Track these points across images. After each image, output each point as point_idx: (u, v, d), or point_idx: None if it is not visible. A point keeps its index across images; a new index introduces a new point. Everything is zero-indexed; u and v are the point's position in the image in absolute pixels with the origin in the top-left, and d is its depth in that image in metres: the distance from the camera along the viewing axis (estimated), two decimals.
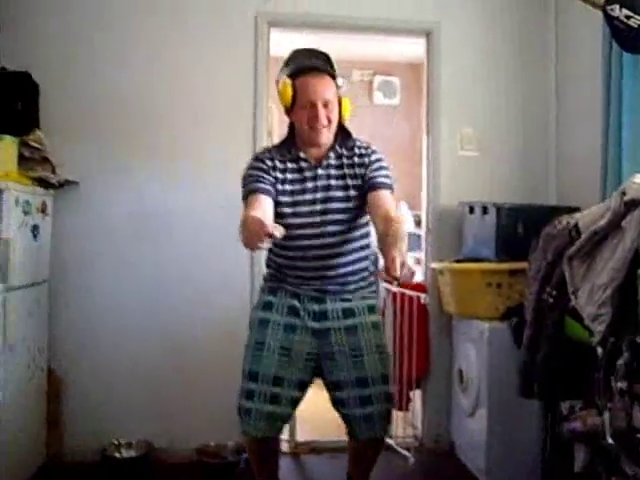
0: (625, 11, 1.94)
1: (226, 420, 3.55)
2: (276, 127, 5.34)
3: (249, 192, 2.54)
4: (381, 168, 2.61)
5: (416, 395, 4.09)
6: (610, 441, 2.15)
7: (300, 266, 2.61)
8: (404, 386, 3.91)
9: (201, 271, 3.79)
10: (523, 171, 4.03)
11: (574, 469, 2.61)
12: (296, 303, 2.62)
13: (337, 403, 2.66)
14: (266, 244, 2.21)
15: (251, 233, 2.22)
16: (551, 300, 2.65)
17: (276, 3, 3.83)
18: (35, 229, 3.30)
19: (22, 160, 3.30)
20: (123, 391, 3.72)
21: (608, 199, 2.46)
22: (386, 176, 2.60)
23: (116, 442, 3.61)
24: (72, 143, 3.68)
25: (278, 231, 2.16)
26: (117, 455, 3.59)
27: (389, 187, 2.58)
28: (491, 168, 4.00)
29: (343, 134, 2.66)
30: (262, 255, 3.60)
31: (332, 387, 2.65)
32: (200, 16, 3.81)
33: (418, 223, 4.83)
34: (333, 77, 2.57)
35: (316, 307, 2.61)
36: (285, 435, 3.71)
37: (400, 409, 3.96)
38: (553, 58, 4.02)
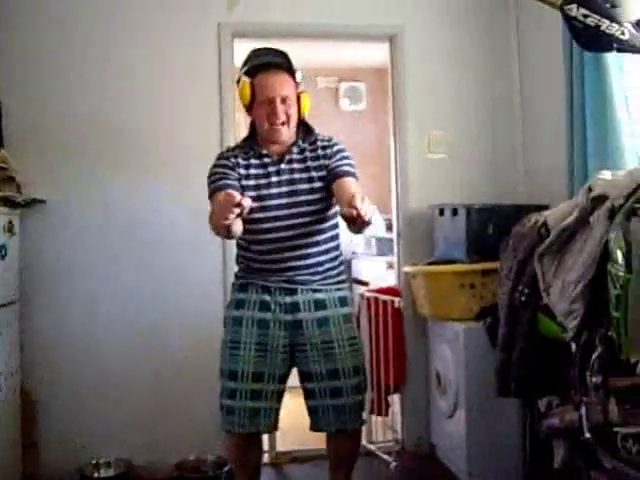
0: (582, 10, 1.96)
1: (205, 434, 3.57)
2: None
3: (215, 189, 2.56)
4: (344, 158, 2.65)
5: (395, 399, 4.09)
6: (588, 436, 2.16)
7: (269, 258, 2.62)
8: (382, 391, 3.91)
9: (175, 285, 3.76)
10: (491, 172, 4.05)
11: (554, 465, 2.63)
12: (267, 297, 2.63)
13: (307, 394, 2.68)
14: (234, 217, 2.20)
15: (219, 207, 2.25)
16: (523, 298, 2.67)
17: (239, 13, 3.82)
18: (2, 249, 3.25)
19: None
20: (99, 410, 3.67)
21: (576, 196, 2.48)
22: (349, 165, 2.64)
23: (94, 461, 3.56)
24: (38, 161, 3.64)
25: (246, 201, 2.18)
26: (96, 475, 3.54)
27: (353, 175, 2.62)
28: (460, 170, 4.03)
29: (305, 129, 2.70)
30: (235, 266, 3.61)
31: (303, 378, 2.68)
32: (165, 30, 3.79)
33: (389, 227, 4.84)
34: (292, 74, 2.61)
35: (287, 299, 2.63)
36: (266, 445, 3.69)
37: (379, 414, 3.97)
38: (516, 59, 4.07)
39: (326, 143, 2.68)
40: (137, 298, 3.74)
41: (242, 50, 3.89)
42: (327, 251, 2.67)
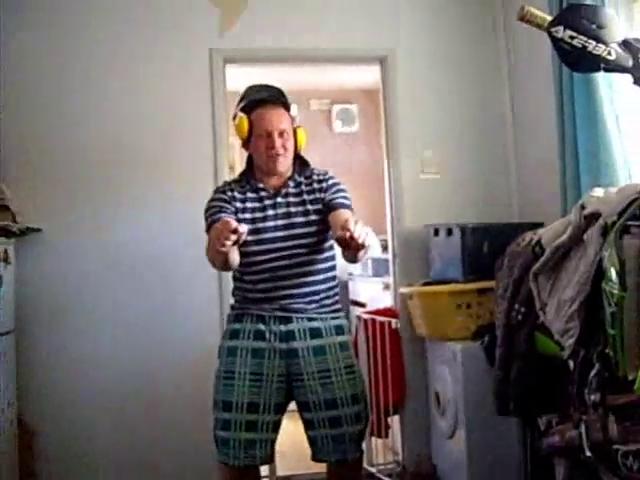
0: (569, 32, 1.98)
1: (205, 467, 3.52)
2: (237, 162, 5.35)
3: (212, 222, 2.56)
4: (339, 191, 2.67)
5: (394, 421, 4.08)
6: (588, 454, 2.15)
7: (265, 288, 2.61)
8: (382, 413, 3.90)
9: (171, 315, 3.76)
10: (485, 191, 4.07)
11: None
12: (261, 326, 2.61)
13: (306, 425, 2.65)
14: (230, 244, 2.20)
15: (216, 234, 2.24)
16: (520, 317, 2.67)
17: (230, 39, 3.86)
18: None
19: None
20: (97, 441, 3.65)
21: (569, 214, 2.49)
22: (344, 197, 2.66)
23: None
24: (33, 190, 3.65)
25: (242, 227, 2.19)
26: None
27: (348, 207, 2.64)
28: (453, 190, 4.04)
29: (300, 163, 2.73)
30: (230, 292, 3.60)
31: (302, 408, 2.64)
32: (157, 56, 3.82)
33: (385, 248, 4.86)
34: (287, 109, 2.65)
35: (282, 327, 2.60)
36: (265, 470, 3.67)
37: (379, 436, 3.95)
38: (507, 79, 4.11)
39: (322, 177, 2.70)
40: (133, 327, 3.73)
41: (234, 75, 3.95)
42: (323, 281, 2.66)
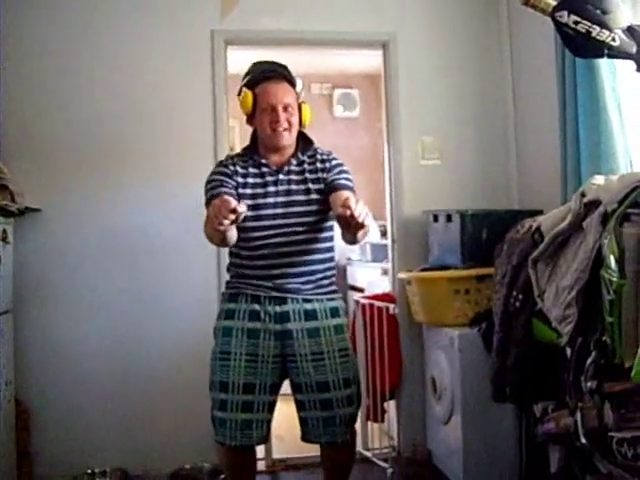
0: (573, 17, 1.97)
1: (200, 443, 3.55)
2: (238, 144, 5.33)
3: (212, 197, 2.56)
4: (342, 172, 2.68)
5: (390, 406, 4.09)
6: (583, 441, 2.16)
7: (261, 265, 2.61)
8: (378, 398, 3.91)
9: (169, 295, 3.76)
10: (485, 177, 4.06)
11: (550, 470, 2.63)
12: (256, 306, 2.62)
13: (297, 405, 2.68)
14: (228, 223, 2.21)
15: (214, 212, 2.24)
16: (518, 304, 2.67)
17: (232, 21, 3.83)
18: None
19: None
20: (94, 419, 3.66)
21: (569, 201, 2.49)
22: (347, 179, 2.67)
23: (90, 471, 3.55)
24: (33, 170, 3.64)
25: (241, 207, 2.20)
26: None
27: (350, 188, 2.64)
28: (453, 176, 4.03)
29: (304, 141, 2.73)
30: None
31: (294, 389, 2.67)
32: (158, 37, 3.80)
33: (384, 233, 4.85)
34: (292, 85, 2.67)
35: (277, 308, 2.61)
36: (261, 452, 3.68)
37: (375, 420, 3.96)
38: (509, 65, 4.08)
39: (325, 157, 2.71)
40: (131, 308, 3.73)
41: (235, 57, 3.93)
42: (320, 261, 2.67)
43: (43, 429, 3.59)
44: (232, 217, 2.20)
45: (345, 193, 2.55)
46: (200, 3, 3.84)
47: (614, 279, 1.91)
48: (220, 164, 2.73)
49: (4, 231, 3.36)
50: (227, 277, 2.80)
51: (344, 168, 2.71)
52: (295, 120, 2.64)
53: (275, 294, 2.62)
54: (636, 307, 1.90)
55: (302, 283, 2.63)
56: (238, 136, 5.51)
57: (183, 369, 3.70)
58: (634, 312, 1.90)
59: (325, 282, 2.70)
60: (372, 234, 5.29)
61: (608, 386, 2.06)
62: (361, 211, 2.21)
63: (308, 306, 2.64)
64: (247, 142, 2.78)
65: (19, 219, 3.53)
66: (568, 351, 2.33)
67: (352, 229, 2.28)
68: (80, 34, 3.74)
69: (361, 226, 2.26)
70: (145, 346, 3.72)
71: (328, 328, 2.64)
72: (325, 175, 2.65)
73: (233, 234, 2.48)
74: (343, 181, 2.64)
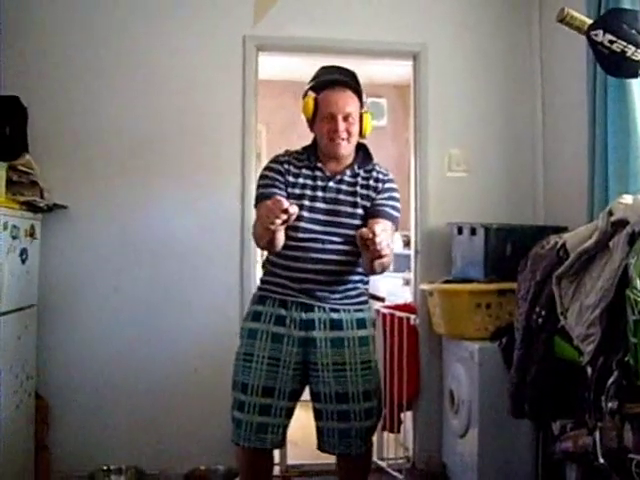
0: (609, 36, 1.96)
1: (216, 445, 3.58)
2: (264, 149, 5.36)
3: (263, 196, 2.57)
4: (391, 198, 2.66)
5: (407, 416, 4.08)
6: (602, 461, 2.14)
7: (293, 267, 2.60)
8: (395, 407, 3.90)
9: (192, 296, 3.78)
10: (511, 191, 4.05)
11: None
12: (283, 312, 2.61)
13: (315, 414, 2.67)
14: (280, 223, 2.23)
15: (266, 211, 2.26)
16: (540, 320, 2.65)
17: (263, 27, 3.86)
18: (23, 253, 3.29)
19: (10, 184, 3.28)
20: (112, 416, 3.69)
21: (596, 219, 2.48)
22: (393, 207, 2.65)
23: (105, 468, 3.57)
24: (61, 167, 3.68)
25: (293, 208, 2.22)
26: None
27: (391, 219, 2.62)
28: (479, 189, 4.03)
29: (365, 155, 2.72)
30: (252, 281, 3.63)
31: (313, 397, 2.66)
32: (190, 40, 3.83)
33: (407, 244, 4.84)
34: (357, 93, 2.63)
35: (303, 315, 2.60)
36: (276, 458, 3.69)
37: (391, 431, 3.96)
38: (539, 80, 4.07)
39: (381, 176, 2.69)
40: (152, 308, 3.76)
41: (266, 63, 3.96)
42: (352, 273, 2.64)
43: (62, 424, 3.63)
44: (284, 217, 2.21)
45: (382, 221, 2.53)
46: (233, 9, 3.87)
47: None
48: (275, 160, 2.71)
49: (32, 227, 3.41)
50: (254, 280, 2.81)
51: (395, 195, 2.68)
52: (355, 130, 2.60)
53: (302, 300, 2.61)
54: None
55: (330, 292, 2.62)
56: (265, 141, 5.54)
57: (202, 371, 3.72)
58: None
59: (353, 293, 2.68)
60: (396, 245, 5.30)
61: (629, 407, 2.04)
62: (382, 240, 2.23)
63: (335, 315, 2.62)
64: (273, 151, 2.79)
65: (47, 215, 3.58)
66: (589, 370, 2.31)
67: (369, 254, 2.31)
68: (115, 35, 3.79)
69: (379, 255, 2.29)
70: (165, 347, 3.75)
71: (353, 339, 2.63)
72: (374, 195, 2.64)
73: (281, 238, 2.48)
74: (388, 209, 2.62)
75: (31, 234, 3.39)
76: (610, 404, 2.10)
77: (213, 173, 3.81)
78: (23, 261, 3.29)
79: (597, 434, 2.16)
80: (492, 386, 3.27)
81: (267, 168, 2.68)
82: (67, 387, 3.66)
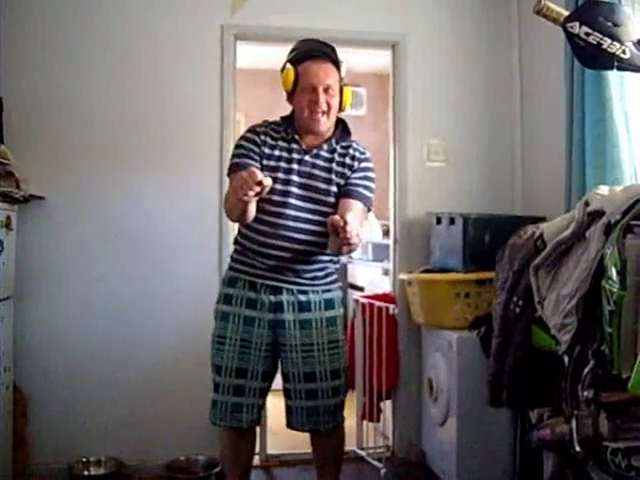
0: (585, 28, 1.97)
1: (196, 435, 3.58)
2: None
3: (238, 166, 2.55)
4: (365, 178, 2.66)
5: (386, 406, 4.10)
6: (578, 449, 2.17)
7: (264, 241, 2.60)
8: (374, 397, 3.92)
9: (171, 286, 3.77)
10: (489, 182, 4.07)
11: (544, 476, 2.64)
12: (253, 295, 2.64)
13: (285, 394, 2.73)
14: (253, 195, 2.23)
15: (240, 182, 2.25)
16: (518, 310, 2.68)
17: (242, 16, 3.83)
18: None
19: None
20: (91, 408, 3.67)
21: (573, 209, 2.49)
22: (366, 187, 2.65)
23: (84, 460, 3.56)
24: (38, 157, 3.64)
25: (267, 180, 2.22)
26: (85, 473, 3.54)
27: (363, 199, 2.63)
28: (458, 179, 4.04)
29: (343, 131, 2.71)
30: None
31: (284, 378, 2.72)
32: (168, 28, 3.79)
33: (386, 233, 4.86)
34: (337, 66, 2.63)
35: (272, 298, 2.63)
36: (257, 448, 3.70)
37: (371, 420, 3.98)
38: (518, 71, 4.08)
39: (358, 154, 2.68)
40: (131, 297, 3.74)
41: (244, 52, 3.94)
42: (320, 252, 2.64)
43: (40, 416, 3.60)
44: (257, 189, 2.21)
45: (352, 204, 2.55)
46: None
47: (615, 290, 1.92)
48: (253, 130, 2.69)
49: (8, 218, 3.37)
50: (231, 248, 2.80)
51: (369, 174, 2.68)
52: (335, 102, 2.60)
53: (271, 283, 2.62)
54: (636, 319, 1.91)
55: (298, 271, 2.63)
56: (243, 129, 5.50)
57: (182, 361, 3.71)
58: (633, 323, 1.91)
59: (321, 273, 2.69)
60: (373, 231, 5.32)
61: (605, 396, 2.07)
62: (353, 229, 2.24)
63: (302, 298, 2.65)
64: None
65: (23, 206, 3.54)
66: (566, 359, 2.34)
67: (338, 241, 2.32)
68: (87, 25, 3.73)
69: (346, 243, 2.30)
70: (144, 337, 3.73)
71: (320, 320, 2.66)
72: (349, 173, 2.64)
73: (253, 209, 2.48)
74: (361, 189, 2.62)
75: (7, 225, 3.35)
76: (586, 393, 2.13)
77: (192, 162, 3.78)
78: None
79: (573, 422, 2.19)
80: (471, 375, 3.30)
81: (243, 137, 2.67)
82: (46, 379, 3.63)
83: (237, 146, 2.67)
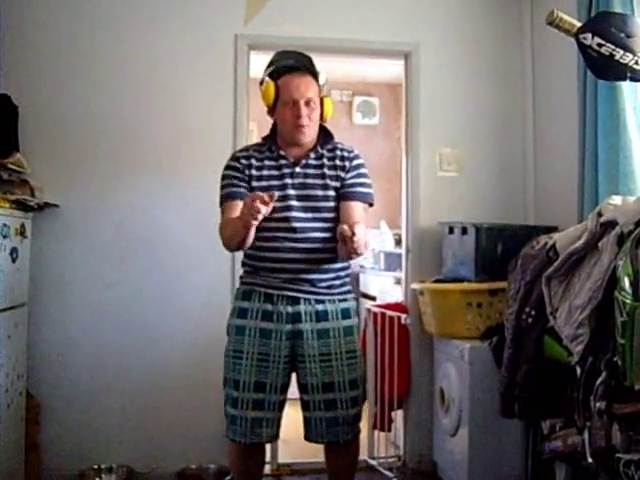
0: (597, 39, 1.97)
1: (208, 443, 3.58)
2: None
3: (226, 197, 2.61)
4: (360, 175, 2.68)
5: (398, 415, 4.09)
6: (590, 460, 2.16)
7: (274, 257, 2.61)
8: (386, 406, 3.91)
9: (183, 294, 3.78)
10: (502, 191, 4.06)
11: None
12: (269, 307, 2.63)
13: (303, 405, 2.70)
14: (265, 212, 2.28)
15: (246, 209, 2.30)
16: (530, 320, 2.67)
17: (256, 26, 3.86)
18: (14, 252, 3.27)
19: (0, 183, 3.27)
20: (103, 415, 3.69)
21: (586, 219, 2.49)
22: (363, 184, 2.67)
23: (96, 467, 3.58)
24: (52, 165, 3.67)
25: (270, 197, 2.26)
26: None
27: (363, 198, 2.65)
28: (470, 188, 4.04)
29: (324, 135, 2.72)
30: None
31: (301, 389, 2.69)
32: (182, 38, 3.82)
33: (398, 242, 4.85)
34: (315, 77, 2.63)
35: (289, 309, 2.62)
36: (267, 456, 3.69)
37: (382, 429, 3.96)
38: (530, 81, 4.07)
39: (346, 154, 2.69)
40: (143, 305, 3.75)
41: (258, 62, 3.95)
42: (333, 260, 2.65)
43: (52, 423, 3.62)
44: (265, 209, 2.26)
45: (356, 208, 2.59)
46: (225, 7, 3.86)
47: (627, 301, 1.91)
48: (233, 157, 2.72)
49: (22, 225, 3.40)
50: (241, 271, 2.80)
51: (363, 170, 2.69)
52: (316, 115, 2.61)
53: (287, 293, 2.61)
54: None
55: (314, 280, 2.63)
56: (256, 139, 5.52)
57: (193, 369, 3.72)
58: None
59: (337, 282, 2.69)
60: (385, 240, 5.32)
61: (617, 407, 2.06)
62: (360, 239, 2.31)
63: (320, 307, 2.64)
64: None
65: (37, 214, 3.57)
66: (578, 370, 2.33)
67: (346, 249, 2.37)
68: (106, 34, 3.77)
69: (354, 252, 2.37)
70: (156, 345, 3.74)
71: (338, 329, 2.65)
72: (343, 175, 2.65)
73: (252, 234, 2.49)
74: (358, 188, 2.64)
75: (22, 233, 3.38)
76: (598, 404, 2.12)
77: (205, 171, 3.78)
78: (13, 260, 3.28)
79: (586, 433, 2.19)
80: (482, 385, 3.28)
81: (226, 167, 2.70)
82: (58, 386, 3.65)
83: (222, 177, 2.69)
